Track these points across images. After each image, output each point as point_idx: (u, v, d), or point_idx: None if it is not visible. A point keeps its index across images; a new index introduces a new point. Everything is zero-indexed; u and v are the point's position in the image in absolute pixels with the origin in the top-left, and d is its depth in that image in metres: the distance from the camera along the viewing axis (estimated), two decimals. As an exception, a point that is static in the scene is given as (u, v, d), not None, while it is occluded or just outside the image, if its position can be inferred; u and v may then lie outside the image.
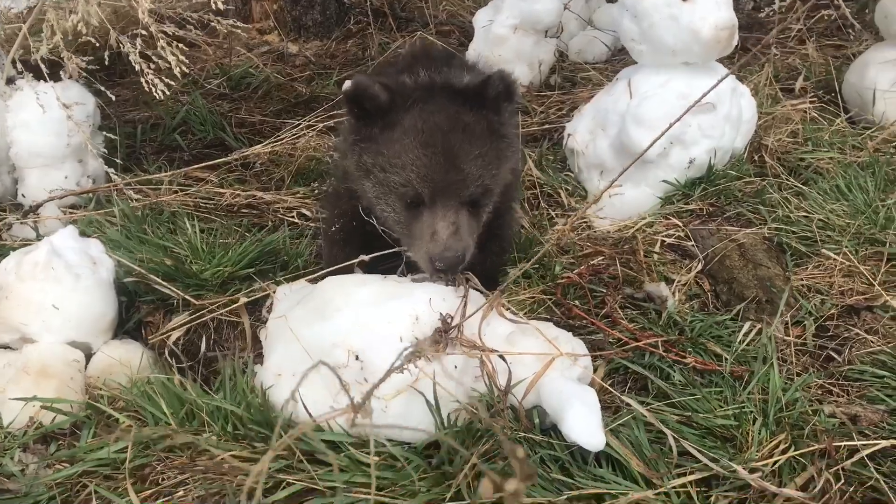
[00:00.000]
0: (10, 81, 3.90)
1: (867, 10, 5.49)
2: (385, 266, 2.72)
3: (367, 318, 2.40)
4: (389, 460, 2.37)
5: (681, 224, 3.61)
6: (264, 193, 4.18)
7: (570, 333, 2.62)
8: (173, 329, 3.01)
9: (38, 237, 3.69)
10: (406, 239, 2.61)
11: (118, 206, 3.74)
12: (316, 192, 4.23)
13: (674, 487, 2.31)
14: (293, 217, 3.99)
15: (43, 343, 2.80)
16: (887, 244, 3.43)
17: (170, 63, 3.52)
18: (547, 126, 4.77)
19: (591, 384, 2.59)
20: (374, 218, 2.69)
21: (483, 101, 2.55)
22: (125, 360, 2.83)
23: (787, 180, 3.92)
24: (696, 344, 2.93)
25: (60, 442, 2.63)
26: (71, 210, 4.00)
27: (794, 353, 2.91)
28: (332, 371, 2.24)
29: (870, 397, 2.73)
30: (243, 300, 2.98)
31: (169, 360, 2.92)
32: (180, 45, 3.53)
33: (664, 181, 3.82)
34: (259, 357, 2.80)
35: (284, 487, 2.35)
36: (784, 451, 2.44)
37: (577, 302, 3.15)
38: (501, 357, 2.40)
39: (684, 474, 2.38)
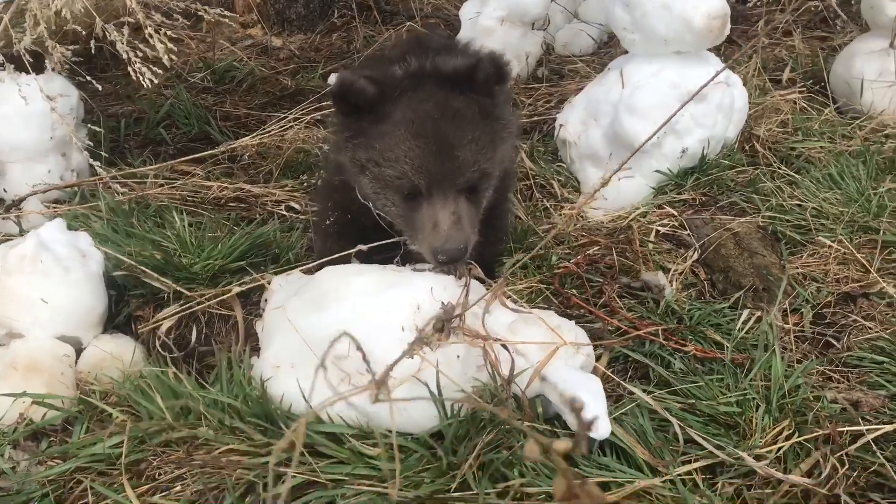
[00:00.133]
0: (-9, 73, 3.82)
1: (852, 1, 5.51)
2: (380, 257, 2.68)
3: (366, 308, 2.36)
4: (392, 451, 2.33)
5: (675, 213, 3.59)
6: (252, 186, 4.12)
7: (573, 322, 2.59)
8: (164, 319, 2.94)
9: (21, 232, 3.61)
10: (408, 231, 2.57)
11: (104, 199, 3.67)
12: (305, 184, 4.18)
13: (679, 475, 2.29)
14: (282, 210, 3.94)
15: (31, 338, 2.73)
16: (881, 232, 3.43)
17: (157, 52, 3.44)
18: (536, 118, 4.74)
19: (595, 373, 2.57)
20: (371, 205, 2.65)
21: (473, 84, 2.51)
22: (117, 354, 2.76)
23: (779, 168, 3.92)
24: (695, 332, 2.91)
25: (52, 438, 2.57)
26: (54, 204, 3.92)
27: (793, 340, 2.90)
28: (336, 361, 2.20)
29: (870, 383, 2.73)
30: (236, 290, 2.92)
31: (162, 353, 2.85)
32: (168, 32, 3.46)
33: (657, 171, 3.81)
34: (254, 349, 2.75)
35: (285, 481, 2.30)
36: (788, 438, 2.43)
37: (574, 291, 3.12)
38: (504, 346, 2.36)
39: (689, 462, 2.36)
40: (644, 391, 2.54)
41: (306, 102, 4.86)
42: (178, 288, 3.07)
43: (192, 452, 2.40)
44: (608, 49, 5.93)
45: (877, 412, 2.59)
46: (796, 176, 3.85)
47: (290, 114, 4.71)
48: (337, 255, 2.66)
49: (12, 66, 3.78)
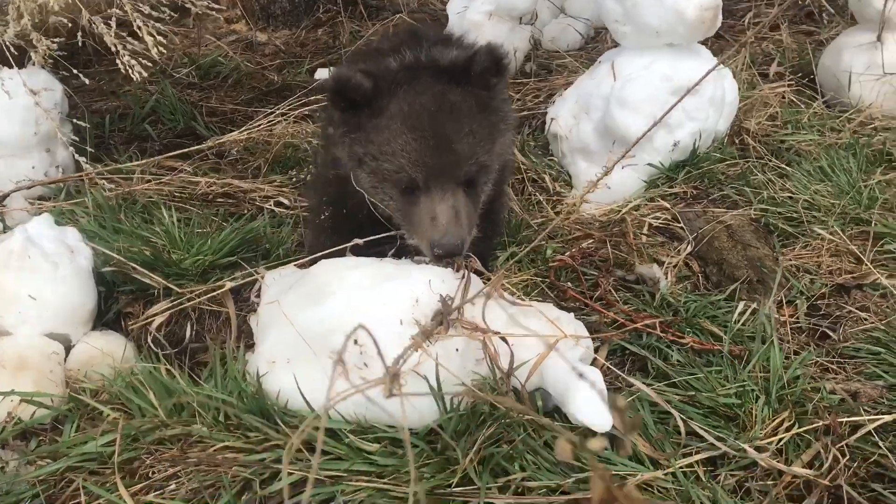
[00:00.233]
0: (-27, 67, 3.75)
1: (839, -5, 5.54)
2: (375, 251, 2.65)
3: (364, 301, 2.33)
4: (391, 446, 2.30)
5: (668, 206, 3.58)
6: (241, 182, 4.07)
7: (572, 314, 2.57)
8: (155, 315, 2.89)
9: (6, 229, 3.54)
10: (405, 226, 2.53)
11: (91, 195, 3.61)
12: (294, 180, 4.13)
13: (681, 467, 2.28)
14: (271, 206, 3.90)
15: (20, 335, 2.68)
16: (873, 223, 3.44)
17: (143, 45, 3.39)
18: (525, 113, 4.72)
19: (594, 365, 2.55)
20: (367, 198, 2.61)
21: (469, 76, 2.48)
22: (107, 351, 2.71)
23: (770, 161, 3.92)
24: (691, 324, 2.90)
25: (41, 437, 2.52)
26: (39, 201, 3.85)
27: (790, 331, 2.90)
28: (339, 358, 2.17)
29: (867, 373, 2.73)
30: (229, 284, 2.88)
31: (154, 349, 2.80)
32: (157, 24, 3.40)
33: (649, 164, 3.79)
34: (248, 345, 2.71)
35: (281, 478, 2.26)
36: (788, 429, 2.42)
37: (570, 284, 3.10)
38: (503, 339, 2.34)
39: (690, 454, 2.35)
40: (644, 384, 2.52)
41: (293, 97, 4.81)
42: (169, 284, 3.02)
43: (187, 450, 2.36)
44: (595, 44, 5.92)
45: (875, 402, 2.59)
46: (787, 168, 3.85)
47: (278, 109, 4.65)
48: (331, 250, 2.62)
49: (-5, 59, 3.72)
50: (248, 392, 2.39)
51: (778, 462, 2.30)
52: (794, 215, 3.55)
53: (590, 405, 2.22)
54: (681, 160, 3.86)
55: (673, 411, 2.37)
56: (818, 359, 2.77)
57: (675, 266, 3.25)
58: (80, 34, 3.63)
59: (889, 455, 2.34)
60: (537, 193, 3.81)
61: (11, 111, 3.73)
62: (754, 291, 3.12)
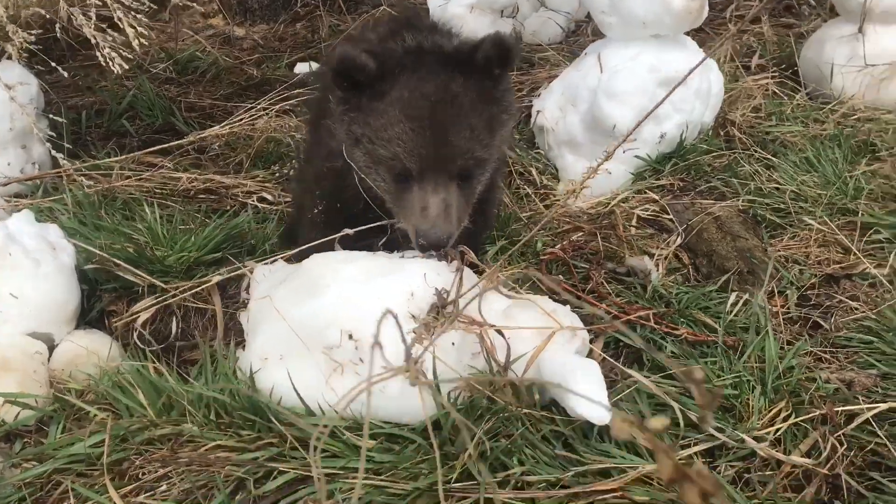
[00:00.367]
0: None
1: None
2: (364, 243, 2.61)
3: (359, 296, 2.28)
4: (388, 443, 2.26)
5: (657, 198, 3.57)
6: (223, 177, 4.01)
7: (568, 306, 2.54)
8: (140, 311, 2.83)
9: (-19, 228, 3.46)
10: (395, 209, 2.49)
11: (70, 192, 3.53)
12: (277, 175, 4.08)
13: (680, 459, 2.26)
14: (254, 201, 3.84)
15: (1, 335, 2.60)
16: (859, 213, 3.45)
17: (125, 36, 3.31)
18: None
19: (592, 357, 2.53)
20: (361, 188, 2.56)
21: (473, 65, 2.44)
22: (92, 349, 2.64)
23: (756, 152, 3.92)
24: (685, 316, 2.89)
25: (26, 439, 2.46)
26: (16, 198, 3.76)
27: (782, 322, 2.89)
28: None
29: (859, 362, 2.73)
30: (216, 279, 2.82)
31: (140, 346, 2.74)
32: (139, 16, 3.33)
33: (636, 156, 3.78)
34: (238, 342, 2.66)
35: (276, 477, 2.22)
36: (785, 419, 2.42)
37: (561, 277, 3.08)
38: (500, 332, 2.30)
39: (689, 445, 2.33)
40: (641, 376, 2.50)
41: (274, 92, 4.75)
42: (154, 281, 2.97)
43: (178, 450, 2.31)
44: (576, 37, 5.92)
45: (869, 391, 2.59)
46: (773, 159, 3.86)
47: (259, 103, 4.59)
48: (319, 242, 2.58)
49: (-32, 53, 3.63)
50: (241, 389, 2.34)
51: (777, 452, 2.29)
52: (782, 206, 3.56)
53: (589, 398, 2.20)
54: (667, 152, 3.85)
55: (672, 403, 2.35)
56: (812, 349, 2.77)
57: (665, 258, 3.24)
58: (58, 26, 3.53)
59: (887, 443, 2.34)
60: (525, 187, 3.79)
61: (-15, 106, 3.64)
62: (745, 282, 3.11)
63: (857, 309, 2.99)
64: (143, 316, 2.80)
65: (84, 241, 3.13)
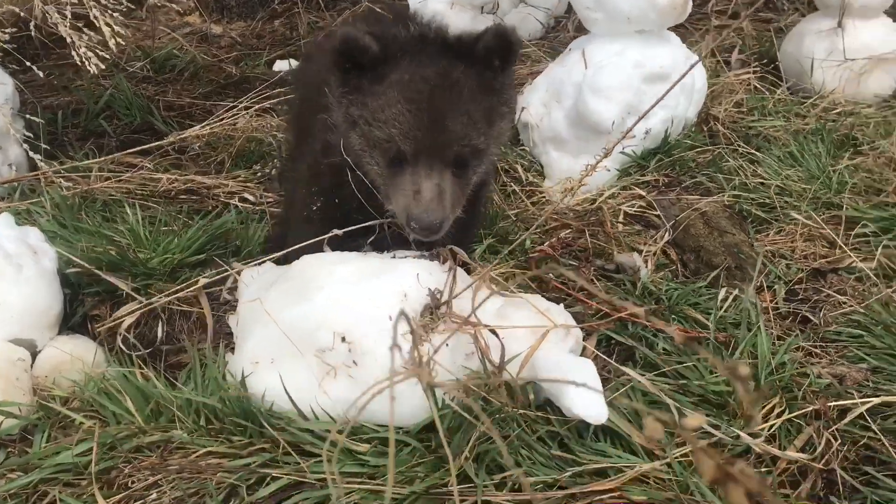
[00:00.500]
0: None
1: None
2: (351, 244, 2.57)
3: (351, 297, 2.25)
4: (381, 446, 2.23)
5: (644, 194, 3.56)
6: (204, 178, 3.95)
7: (561, 305, 2.52)
8: (125, 316, 2.77)
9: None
10: (388, 195, 2.44)
11: (48, 195, 3.46)
12: (259, 174, 4.02)
13: (677, 457, 2.25)
14: (236, 201, 3.78)
15: (-19, 342, 2.54)
16: (844, 207, 3.46)
17: (102, 35, 3.24)
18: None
19: (586, 355, 2.51)
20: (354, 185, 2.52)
21: (474, 56, 2.41)
22: (77, 355, 2.58)
23: (740, 147, 3.93)
24: (675, 312, 2.88)
25: (10, 449, 2.39)
26: (-8, 201, 3.68)
27: (773, 317, 2.90)
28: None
29: (850, 357, 2.74)
30: (203, 281, 2.77)
31: (126, 351, 2.68)
32: (115, 14, 3.26)
33: (622, 153, 3.77)
34: (227, 345, 2.61)
35: (269, 483, 2.18)
36: (779, 415, 2.41)
37: (551, 275, 3.06)
38: (494, 332, 2.28)
39: (684, 443, 2.32)
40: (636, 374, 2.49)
41: (254, 90, 4.69)
42: (136, 285, 2.92)
43: (167, 457, 2.26)
44: (556, 33, 5.90)
45: (860, 385, 2.60)
46: (757, 154, 3.87)
47: (241, 102, 4.53)
48: (307, 243, 2.54)
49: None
50: (231, 394, 2.29)
51: (772, 448, 2.29)
52: (767, 201, 3.57)
53: (584, 397, 2.18)
54: (652, 148, 3.85)
55: (668, 401, 2.34)
56: (803, 344, 2.77)
57: (654, 254, 3.23)
58: (32, 25, 3.45)
59: (881, 437, 2.34)
60: (511, 184, 3.76)
61: (-41, 107, 3.56)
62: (733, 278, 3.11)
63: (845, 303, 3.00)
64: (127, 321, 2.74)
65: (65, 244, 3.07)
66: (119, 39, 3.27)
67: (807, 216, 3.38)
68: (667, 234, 3.35)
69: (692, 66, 2.66)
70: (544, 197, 3.74)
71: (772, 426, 2.39)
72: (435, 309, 2.24)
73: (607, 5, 3.64)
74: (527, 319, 2.36)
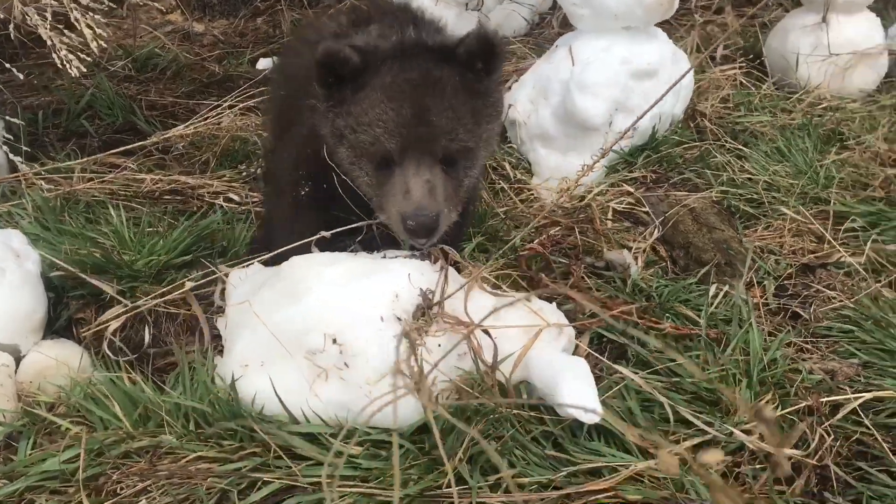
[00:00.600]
0: None
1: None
2: (339, 244, 2.54)
3: (343, 299, 2.22)
4: (374, 449, 2.21)
5: (632, 191, 3.55)
6: (188, 178, 3.90)
7: (554, 304, 2.51)
8: (110, 320, 2.73)
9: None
10: (379, 203, 2.41)
11: (30, 197, 3.41)
12: (244, 174, 3.98)
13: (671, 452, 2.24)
14: (221, 202, 3.74)
15: (-36, 347, 2.50)
16: (832, 202, 3.47)
17: (83, 37, 3.19)
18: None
19: (579, 354, 2.50)
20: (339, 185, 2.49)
21: (456, 59, 2.40)
22: (62, 360, 2.54)
23: (727, 143, 3.93)
24: (666, 309, 2.87)
25: (-6, 457, 2.35)
26: (-29, 204, 3.62)
27: (763, 313, 2.89)
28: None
29: (841, 352, 2.74)
30: (189, 284, 2.73)
31: (112, 356, 2.64)
32: (96, 16, 3.20)
33: (611, 150, 3.75)
34: (215, 348, 2.58)
35: (260, 487, 2.15)
36: (773, 411, 2.41)
37: (542, 274, 3.04)
38: (486, 332, 2.26)
39: (678, 441, 2.31)
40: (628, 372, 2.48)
41: (238, 89, 4.65)
42: (121, 288, 2.87)
43: (156, 462, 2.23)
44: (541, 30, 5.89)
45: (851, 381, 2.60)
46: (745, 150, 3.87)
47: (225, 101, 4.48)
48: (295, 245, 2.50)
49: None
50: (222, 398, 2.26)
51: (766, 444, 2.28)
52: (755, 196, 3.57)
53: (578, 396, 2.17)
54: (640, 144, 3.84)
55: (663, 399, 2.33)
56: (794, 339, 2.77)
57: (643, 251, 3.22)
58: (11, 26, 3.39)
59: (874, 432, 2.34)
60: (499, 181, 3.74)
61: (-62, 108, 3.50)
62: (723, 274, 3.11)
63: (834, 298, 3.00)
64: (113, 325, 2.70)
65: (48, 246, 3.02)
66: (101, 41, 3.21)
67: (795, 211, 3.37)
68: (656, 230, 3.34)
69: (687, 73, 2.65)
70: (532, 194, 3.72)
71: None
72: (427, 309, 2.22)
73: (594, 2, 3.63)
74: (519, 319, 2.34)
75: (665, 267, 3.22)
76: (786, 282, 3.13)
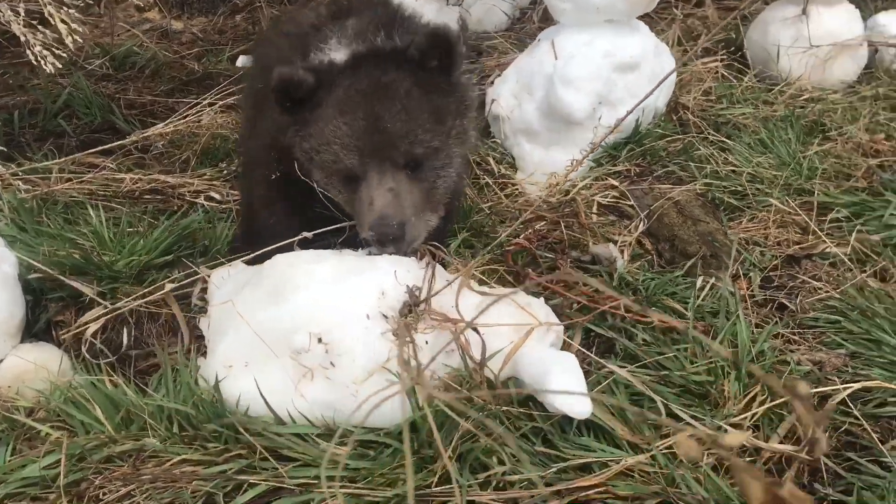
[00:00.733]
0: None
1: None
2: (320, 244, 2.51)
3: (328, 297, 2.19)
4: (362, 448, 2.18)
5: (617, 184, 3.54)
6: (168, 177, 3.85)
7: (542, 299, 2.48)
8: (90, 322, 2.68)
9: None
10: (355, 217, 2.41)
11: (6, 198, 3.35)
12: (225, 172, 3.93)
13: (661, 450, 2.22)
14: (202, 200, 3.69)
15: (-60, 352, 2.44)
16: (815, 193, 3.47)
17: (58, 33, 3.13)
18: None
19: (569, 349, 2.48)
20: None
21: (410, 60, 2.38)
22: (41, 363, 2.49)
23: (710, 135, 3.92)
24: (653, 303, 2.86)
25: (-28, 464, 2.30)
26: (-53, 206, 3.55)
27: (750, 305, 2.89)
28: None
29: (828, 343, 2.74)
30: (169, 286, 2.69)
31: (91, 358, 2.59)
32: (71, 11, 3.15)
33: (592, 143, 3.73)
34: (198, 349, 2.54)
35: (246, 490, 2.12)
36: (761, 403, 2.40)
37: (529, 269, 3.02)
38: (475, 329, 2.23)
39: (667, 435, 2.30)
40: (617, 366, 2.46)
41: (218, 86, 4.59)
42: (102, 289, 2.83)
43: (140, 466, 2.19)
44: (522, 24, 5.87)
45: (839, 371, 2.60)
46: (728, 142, 3.86)
47: (204, 99, 4.43)
48: (278, 245, 2.47)
49: None
50: (207, 400, 2.22)
51: (755, 437, 2.27)
52: (739, 188, 3.56)
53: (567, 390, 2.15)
54: (623, 138, 3.82)
55: (652, 394, 2.32)
56: (781, 331, 2.77)
57: (629, 244, 3.21)
58: (-14, 24, 3.34)
59: (863, 422, 2.34)
60: (484, 176, 3.72)
61: (-89, 109, 3.43)
62: (709, 266, 3.10)
63: (820, 289, 3.00)
64: (92, 327, 2.65)
65: (25, 248, 2.97)
66: (76, 37, 3.15)
67: (780, 202, 3.37)
68: (641, 223, 3.33)
69: (671, 73, 2.64)
70: (517, 189, 3.70)
71: (754, 415, 2.37)
72: (414, 306, 2.19)
73: (576, -5, 3.61)
74: (508, 315, 2.31)
75: (651, 260, 3.21)
76: (771, 273, 3.13)
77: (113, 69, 5.09)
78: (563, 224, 3.26)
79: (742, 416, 2.36)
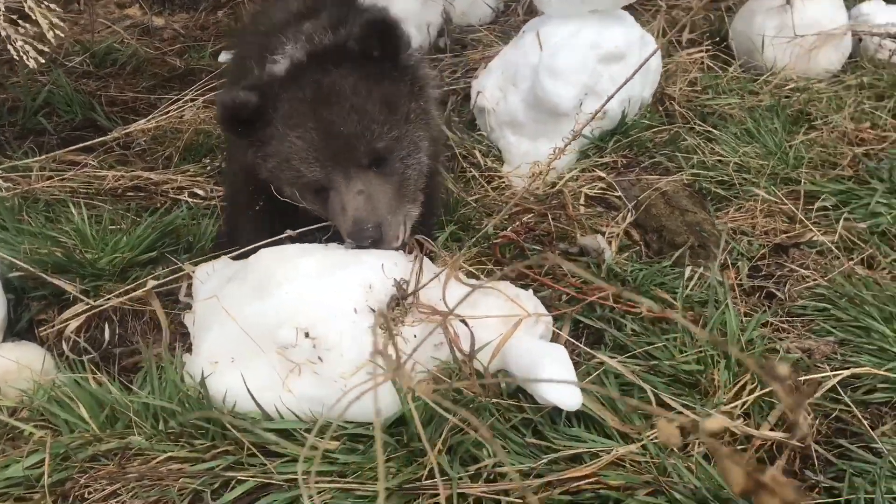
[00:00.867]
0: None
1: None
2: (305, 240, 2.49)
3: (315, 291, 2.16)
4: (351, 443, 2.15)
5: (604, 176, 3.53)
6: (151, 174, 3.81)
7: (530, 291, 2.47)
8: (71, 319, 2.65)
9: None
10: (334, 224, 2.39)
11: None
12: (208, 168, 3.90)
13: (652, 439, 2.21)
14: (186, 197, 3.65)
15: (-79, 353, 2.40)
16: (802, 182, 3.47)
17: (39, 28, 3.08)
18: (445, 88, 4.59)
19: (558, 341, 2.46)
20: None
21: (348, 55, 2.34)
22: (24, 363, 2.45)
23: (696, 125, 3.91)
24: (642, 293, 2.85)
25: (-45, 465, 2.26)
26: (-74, 205, 3.50)
27: (739, 294, 2.88)
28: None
29: (817, 330, 2.73)
30: (152, 283, 2.65)
31: (74, 356, 2.55)
32: (52, 6, 3.10)
33: (582, 135, 3.72)
34: (183, 345, 2.51)
35: (234, 486, 2.09)
36: (751, 392, 2.39)
37: (516, 261, 3.00)
38: (463, 321, 2.21)
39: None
40: (607, 356, 2.45)
41: (200, 82, 4.55)
42: (85, 287, 2.79)
43: (126, 465, 2.16)
44: (506, 17, 5.84)
45: (828, 358, 2.60)
46: (714, 132, 3.86)
47: (186, 95, 4.38)
48: (265, 242, 2.44)
49: None
50: (193, 396, 2.19)
51: (746, 425, 2.26)
52: (726, 178, 3.56)
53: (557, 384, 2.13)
54: (610, 129, 3.81)
55: (642, 384, 2.30)
56: (770, 319, 2.76)
57: (617, 236, 3.20)
58: (-37, 19, 3.28)
59: (853, 409, 2.34)
60: (470, 169, 3.70)
61: None
62: (697, 256, 3.09)
63: (808, 277, 3.00)
64: (74, 323, 2.62)
65: (6, 246, 2.93)
66: (58, 31, 3.10)
67: (766, 192, 3.37)
68: (629, 214, 3.32)
69: (652, 53, 2.61)
70: (504, 182, 3.68)
71: (745, 403, 2.37)
72: (401, 300, 2.16)
73: (561, -15, 3.59)
74: (496, 307, 2.29)
75: (639, 251, 3.20)
76: (759, 262, 3.13)
77: (94, 66, 5.03)
78: (550, 216, 3.24)
79: (732, 405, 2.36)
